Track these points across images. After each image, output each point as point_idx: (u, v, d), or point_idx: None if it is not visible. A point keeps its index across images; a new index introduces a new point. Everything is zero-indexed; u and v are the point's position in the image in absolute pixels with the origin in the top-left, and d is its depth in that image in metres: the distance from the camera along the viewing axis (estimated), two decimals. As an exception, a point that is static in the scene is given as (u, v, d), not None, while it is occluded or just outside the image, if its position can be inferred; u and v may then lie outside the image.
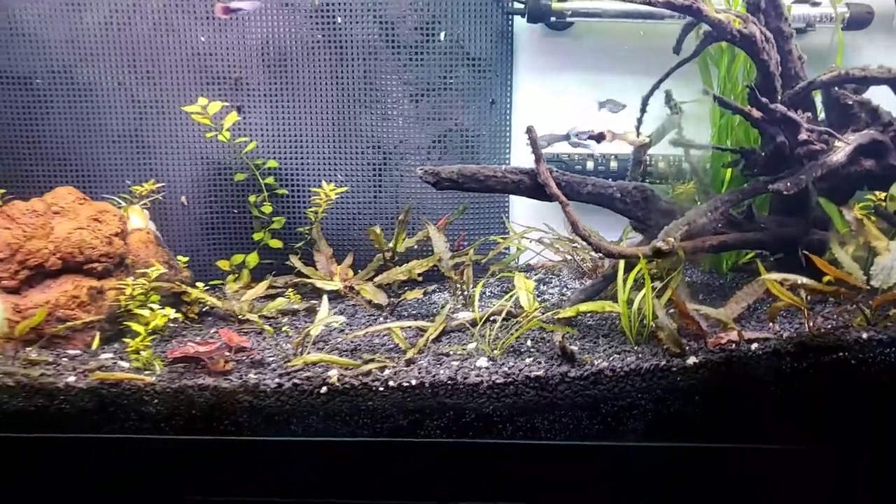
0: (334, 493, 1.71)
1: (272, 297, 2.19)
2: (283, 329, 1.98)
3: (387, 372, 1.76)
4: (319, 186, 2.29)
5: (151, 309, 1.81)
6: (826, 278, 1.77)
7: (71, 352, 1.90)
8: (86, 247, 1.95)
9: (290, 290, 2.22)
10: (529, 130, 1.80)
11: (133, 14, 2.29)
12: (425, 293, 2.29)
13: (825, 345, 1.67)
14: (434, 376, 1.70)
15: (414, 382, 1.68)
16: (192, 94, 2.32)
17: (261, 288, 2.17)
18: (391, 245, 2.26)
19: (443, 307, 2.10)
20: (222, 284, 2.23)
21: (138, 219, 2.12)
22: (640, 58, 2.34)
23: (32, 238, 1.92)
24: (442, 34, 2.33)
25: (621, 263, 1.85)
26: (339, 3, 2.31)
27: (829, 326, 1.78)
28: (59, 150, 2.37)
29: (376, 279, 2.25)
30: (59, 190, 2.05)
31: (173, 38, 2.32)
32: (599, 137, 2.15)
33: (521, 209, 2.49)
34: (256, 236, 2.31)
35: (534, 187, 1.86)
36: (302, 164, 2.40)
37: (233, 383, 1.72)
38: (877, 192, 2.05)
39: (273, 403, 1.67)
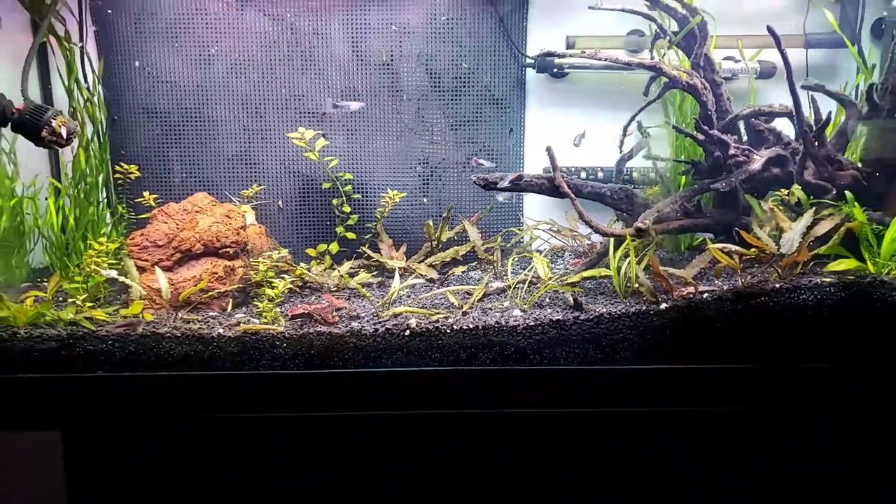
0: (414, 407, 1.98)
1: (350, 275, 2.51)
2: (366, 295, 2.33)
3: (450, 320, 2.05)
4: (384, 193, 2.63)
5: (283, 278, 2.18)
6: (752, 249, 2.13)
7: (211, 314, 2.21)
8: (221, 236, 2.31)
9: (362, 270, 2.58)
10: (549, 149, 2.22)
11: (246, 65, 2.61)
12: (465, 270, 2.61)
13: (752, 293, 1.96)
14: (484, 322, 2.02)
15: (471, 326, 2.00)
16: (289, 125, 2.64)
17: (346, 267, 2.53)
18: (437, 235, 2.65)
19: (480, 280, 2.45)
20: (309, 267, 2.54)
21: (250, 217, 2.49)
22: (619, 97, 2.68)
23: (183, 230, 2.28)
24: (465, 64, 2.64)
25: (611, 241, 2.24)
26: (400, 58, 2.64)
27: (755, 281, 2.10)
28: (189, 167, 2.67)
29: (426, 261, 2.62)
30: (198, 195, 2.40)
31: (276, 83, 2.63)
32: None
33: (532, 208, 2.81)
34: (338, 230, 2.64)
35: (552, 188, 2.28)
36: (370, 176, 2.73)
37: (341, 330, 2.01)
38: (782, 190, 2.40)
39: (371, 344, 1.99)
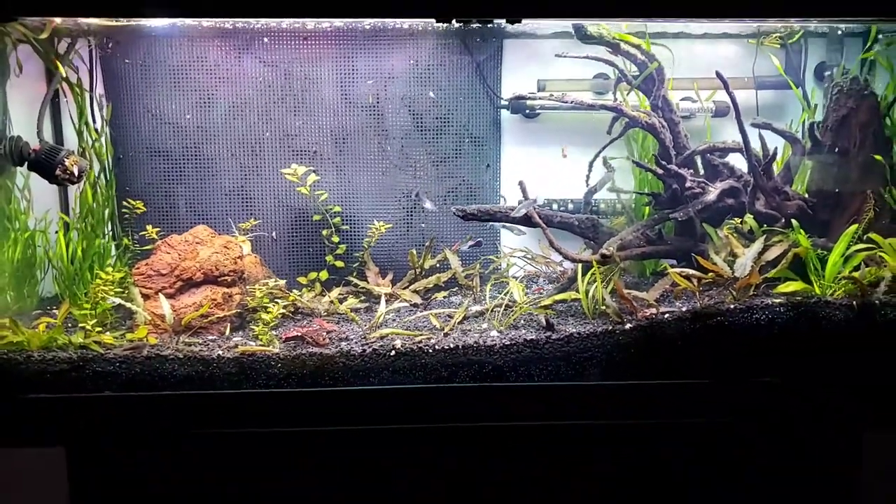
0: (399, 421, 2.08)
1: (339, 301, 2.62)
2: (355, 319, 2.45)
3: (432, 341, 2.16)
4: (370, 224, 2.77)
5: (277, 303, 2.32)
6: (709, 273, 2.29)
7: (210, 337, 2.32)
8: (220, 265, 2.44)
9: (350, 296, 2.70)
10: (521, 183, 2.41)
11: (244, 108, 2.76)
12: (447, 295, 2.74)
13: (709, 313, 2.10)
14: (464, 342, 2.13)
15: (452, 346, 2.11)
16: (283, 162, 2.78)
17: (335, 293, 2.66)
18: (420, 263, 2.79)
19: (460, 303, 2.56)
20: (300, 294, 2.66)
21: (246, 247, 2.63)
22: (585, 135, 2.83)
23: (185, 259, 2.41)
24: (431, 93, 2.82)
25: (580, 267, 2.39)
26: (385, 101, 2.81)
27: (712, 302, 2.22)
28: (190, 201, 2.79)
29: (410, 287, 2.75)
30: (198, 227, 2.54)
31: (271, 124, 2.78)
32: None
33: (508, 237, 2.93)
34: (328, 259, 2.78)
35: (524, 218, 2.42)
36: (358, 208, 2.86)
37: (332, 351, 2.11)
38: (735, 219, 2.56)
39: (359, 363, 2.09)
